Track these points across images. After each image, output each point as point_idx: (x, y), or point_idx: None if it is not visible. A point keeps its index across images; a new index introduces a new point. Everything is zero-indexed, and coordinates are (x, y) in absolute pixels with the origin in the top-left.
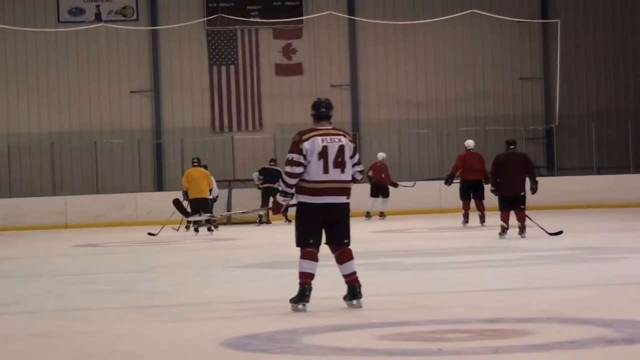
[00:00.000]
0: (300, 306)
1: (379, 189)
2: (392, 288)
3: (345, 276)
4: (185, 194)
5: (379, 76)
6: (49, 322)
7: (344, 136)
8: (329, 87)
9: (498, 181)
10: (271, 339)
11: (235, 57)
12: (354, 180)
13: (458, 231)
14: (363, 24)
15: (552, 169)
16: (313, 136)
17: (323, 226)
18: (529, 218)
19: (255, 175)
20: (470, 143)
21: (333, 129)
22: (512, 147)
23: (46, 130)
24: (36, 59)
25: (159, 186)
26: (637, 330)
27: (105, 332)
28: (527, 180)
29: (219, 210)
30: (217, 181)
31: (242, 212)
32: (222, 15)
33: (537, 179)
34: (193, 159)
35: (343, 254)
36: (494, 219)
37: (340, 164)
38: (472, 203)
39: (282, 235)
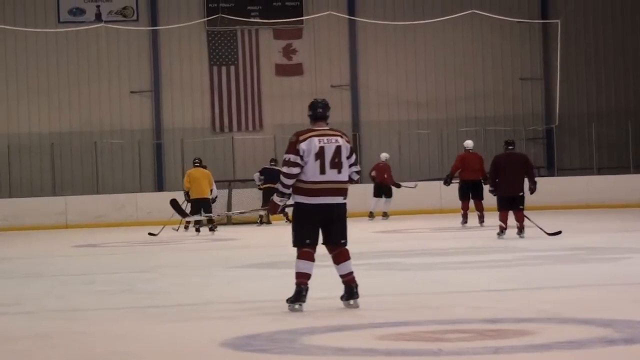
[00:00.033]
0: (296, 306)
1: (382, 189)
2: (392, 288)
3: (342, 276)
4: (187, 194)
5: (379, 76)
6: (49, 322)
7: (341, 137)
8: (329, 87)
9: (497, 181)
10: (271, 339)
11: (236, 58)
12: (351, 180)
13: (458, 231)
14: (363, 24)
15: (552, 169)
16: (310, 137)
17: (320, 226)
18: (527, 218)
19: (257, 175)
20: (469, 143)
21: (330, 129)
22: (510, 147)
23: (46, 131)
24: (36, 59)
25: (159, 186)
26: (637, 330)
27: (105, 332)
28: (526, 180)
29: (218, 210)
30: (217, 181)
31: (240, 212)
32: (223, 15)
33: (537, 179)
34: (194, 160)
35: (340, 254)
36: (493, 219)
37: (337, 164)
38: (471, 203)
39: (282, 235)
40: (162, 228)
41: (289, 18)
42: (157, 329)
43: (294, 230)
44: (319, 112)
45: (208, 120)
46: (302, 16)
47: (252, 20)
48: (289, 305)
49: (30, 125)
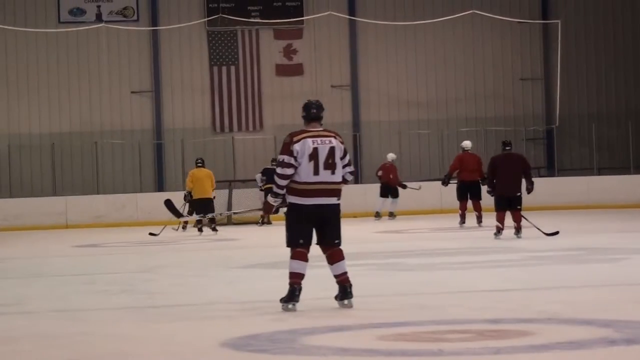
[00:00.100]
0: (290, 306)
1: (389, 190)
2: (392, 288)
3: (336, 276)
4: (189, 194)
5: (379, 77)
6: (49, 322)
7: (335, 137)
8: (330, 87)
9: (494, 182)
10: (271, 339)
11: (236, 58)
12: (345, 181)
13: (457, 232)
14: (363, 24)
15: (552, 170)
16: (304, 138)
17: (314, 227)
18: (525, 218)
19: (258, 176)
20: (467, 144)
21: (324, 130)
22: (508, 148)
23: (47, 131)
24: (37, 59)
25: (160, 186)
26: (638, 330)
27: (105, 332)
28: (523, 180)
29: (217, 210)
30: (217, 182)
31: (235, 212)
32: (223, 15)
33: (537, 179)
34: (197, 160)
35: (334, 255)
36: (491, 219)
37: (330, 165)
38: (470, 204)
39: (283, 236)
40: (163, 228)
41: (289, 18)
42: (157, 329)
43: (288, 230)
44: (312, 113)
45: (208, 121)
46: (302, 16)
47: (252, 20)
48: (283, 305)
49: (31, 125)
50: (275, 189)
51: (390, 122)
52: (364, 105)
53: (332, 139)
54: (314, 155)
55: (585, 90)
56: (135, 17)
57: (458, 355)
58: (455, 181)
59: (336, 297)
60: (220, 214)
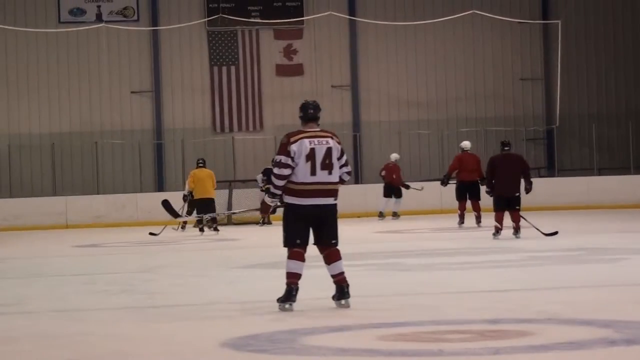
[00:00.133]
0: (287, 305)
1: (392, 190)
2: (392, 288)
3: (333, 276)
4: (190, 193)
5: (379, 77)
6: (49, 322)
7: (332, 138)
8: (330, 87)
9: (493, 182)
10: (271, 339)
11: (236, 58)
12: (342, 181)
13: (456, 232)
14: (364, 24)
15: (552, 170)
16: (301, 138)
17: (311, 227)
18: (523, 219)
19: (260, 177)
20: (466, 144)
21: (321, 130)
22: (506, 148)
23: (47, 131)
24: (37, 59)
25: (160, 187)
26: (638, 331)
27: (105, 332)
28: (522, 181)
29: (217, 211)
30: (217, 182)
31: (233, 213)
32: (223, 15)
33: (537, 180)
34: (198, 160)
35: (331, 254)
36: (490, 219)
37: (327, 165)
38: (469, 204)
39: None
40: (164, 228)
41: (289, 18)
42: (157, 329)
43: (285, 230)
44: (310, 113)
45: (208, 121)
46: (302, 16)
47: (252, 20)
48: (280, 305)
49: (31, 125)
50: (272, 189)
51: (390, 122)
52: (364, 105)
53: (329, 140)
54: (311, 156)
55: (585, 91)
56: (135, 17)
57: (458, 355)
58: (455, 181)
59: (333, 297)
60: (218, 215)
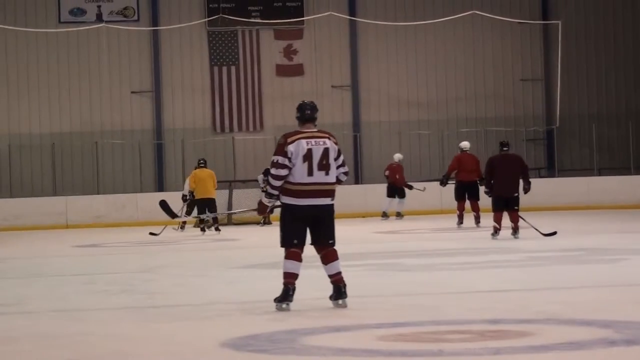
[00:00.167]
0: (284, 305)
1: (395, 190)
2: (392, 289)
3: (330, 276)
4: (191, 193)
5: (379, 77)
6: (49, 322)
7: (329, 138)
8: (330, 87)
9: (492, 182)
10: (271, 339)
11: (236, 58)
12: (339, 182)
13: (456, 232)
14: (364, 24)
15: (552, 171)
16: (298, 139)
17: (308, 227)
18: (522, 219)
19: (260, 177)
20: (465, 144)
21: (318, 131)
22: (505, 148)
23: (47, 131)
24: (37, 59)
25: (160, 187)
26: (638, 331)
27: (105, 332)
28: (521, 181)
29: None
30: (217, 182)
31: (231, 213)
32: (223, 15)
33: (537, 180)
34: (199, 160)
35: (328, 255)
36: (489, 219)
37: (324, 166)
38: (468, 204)
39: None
40: (164, 228)
41: (289, 18)
42: (157, 329)
43: (282, 230)
44: (307, 114)
45: (209, 121)
46: (302, 16)
47: (252, 20)
48: (277, 305)
49: (31, 125)
50: (269, 190)
51: (390, 123)
52: (364, 105)
53: (326, 140)
54: (308, 156)
55: (585, 91)
56: (135, 17)
57: (458, 356)
58: (454, 181)
59: (330, 297)
60: (217, 214)
